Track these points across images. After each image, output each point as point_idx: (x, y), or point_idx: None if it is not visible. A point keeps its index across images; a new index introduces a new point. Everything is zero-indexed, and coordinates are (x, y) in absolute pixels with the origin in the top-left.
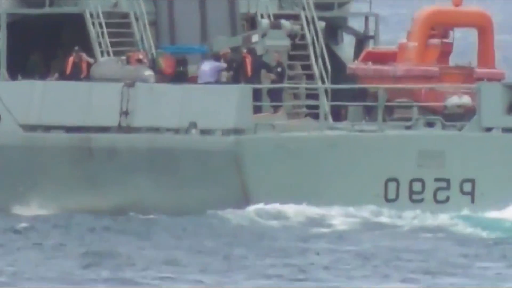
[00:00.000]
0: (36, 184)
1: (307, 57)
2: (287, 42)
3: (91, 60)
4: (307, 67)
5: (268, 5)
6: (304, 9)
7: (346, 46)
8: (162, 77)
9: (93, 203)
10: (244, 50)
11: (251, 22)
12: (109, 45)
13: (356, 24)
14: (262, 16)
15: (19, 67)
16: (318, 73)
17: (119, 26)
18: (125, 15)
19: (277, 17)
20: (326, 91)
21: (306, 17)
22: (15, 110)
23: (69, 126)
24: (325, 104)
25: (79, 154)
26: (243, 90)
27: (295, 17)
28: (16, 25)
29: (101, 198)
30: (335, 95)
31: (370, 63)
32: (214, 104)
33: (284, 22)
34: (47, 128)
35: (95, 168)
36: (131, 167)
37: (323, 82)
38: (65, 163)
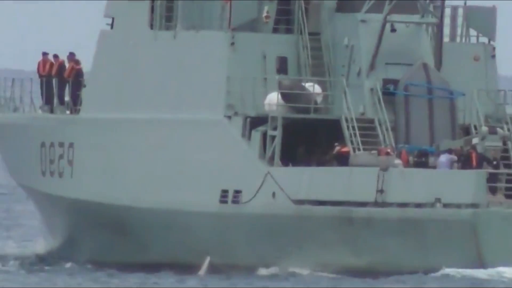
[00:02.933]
0: (302, 245)
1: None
2: (501, 144)
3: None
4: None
5: (480, 116)
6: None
7: None
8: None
9: (349, 262)
10: (468, 148)
11: (465, 130)
12: (360, 142)
13: None
14: (475, 127)
15: (288, 157)
16: None
17: (366, 129)
18: (371, 121)
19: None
20: None
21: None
22: (287, 189)
23: (332, 201)
24: None
25: (340, 223)
26: (480, 174)
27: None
28: (287, 126)
29: (357, 258)
30: None
31: None
32: (455, 185)
33: (499, 129)
34: (314, 202)
35: (354, 234)
36: (384, 233)
37: None
38: (328, 229)
